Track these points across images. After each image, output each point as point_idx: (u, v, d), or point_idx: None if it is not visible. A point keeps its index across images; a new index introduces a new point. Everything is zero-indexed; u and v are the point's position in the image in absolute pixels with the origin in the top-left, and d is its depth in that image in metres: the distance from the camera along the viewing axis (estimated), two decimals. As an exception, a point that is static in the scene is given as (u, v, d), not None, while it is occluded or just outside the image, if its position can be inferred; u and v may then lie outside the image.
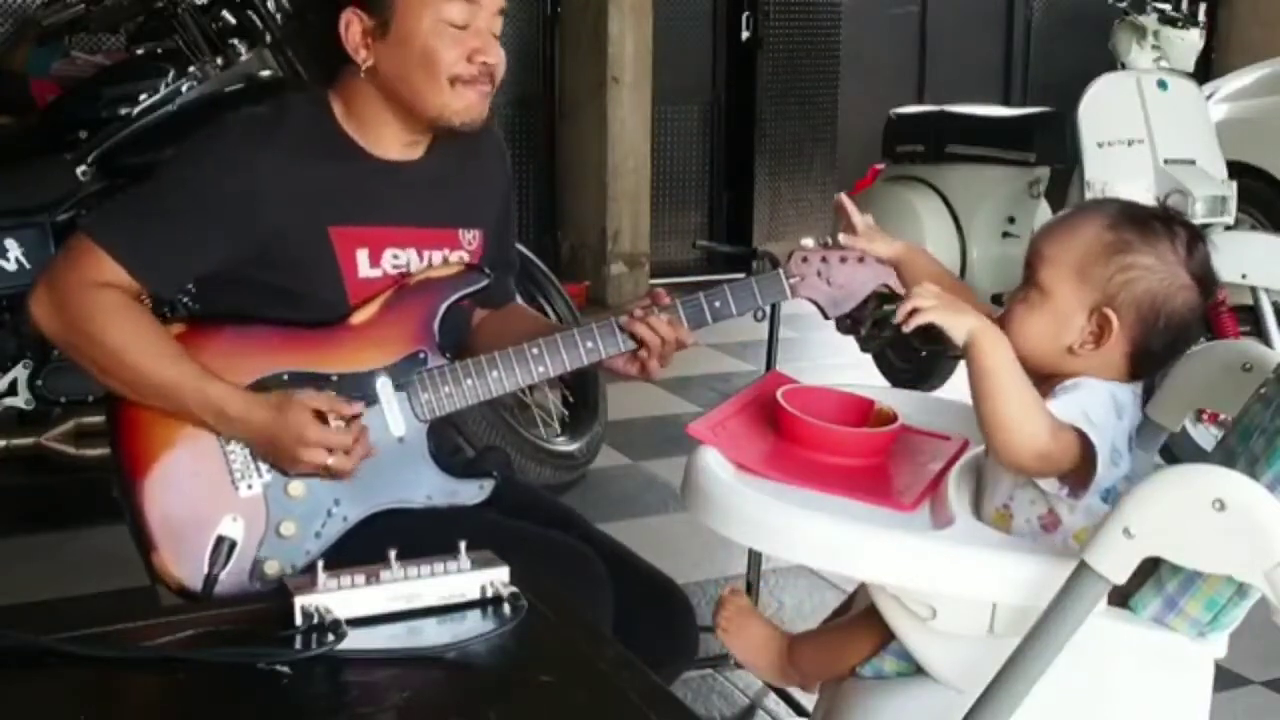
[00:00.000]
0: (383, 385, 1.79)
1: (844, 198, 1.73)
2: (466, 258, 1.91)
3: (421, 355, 1.80)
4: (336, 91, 1.85)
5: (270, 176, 1.76)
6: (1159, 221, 1.48)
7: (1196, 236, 1.49)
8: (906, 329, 1.46)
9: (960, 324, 1.43)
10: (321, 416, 1.72)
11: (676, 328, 1.80)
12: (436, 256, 1.88)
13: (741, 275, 1.87)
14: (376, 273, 1.83)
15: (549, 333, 1.86)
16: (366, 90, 1.81)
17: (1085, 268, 1.47)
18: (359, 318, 1.81)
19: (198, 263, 1.80)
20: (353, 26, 1.77)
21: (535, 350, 1.80)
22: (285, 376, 1.76)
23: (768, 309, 1.92)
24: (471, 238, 1.92)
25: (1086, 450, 1.41)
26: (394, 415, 1.79)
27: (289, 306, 1.79)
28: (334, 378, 1.78)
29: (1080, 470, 1.43)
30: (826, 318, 1.86)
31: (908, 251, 1.75)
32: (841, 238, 1.78)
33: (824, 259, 1.82)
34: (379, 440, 1.77)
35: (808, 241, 1.84)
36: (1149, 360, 1.50)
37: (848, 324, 4.33)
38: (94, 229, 1.79)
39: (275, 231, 1.77)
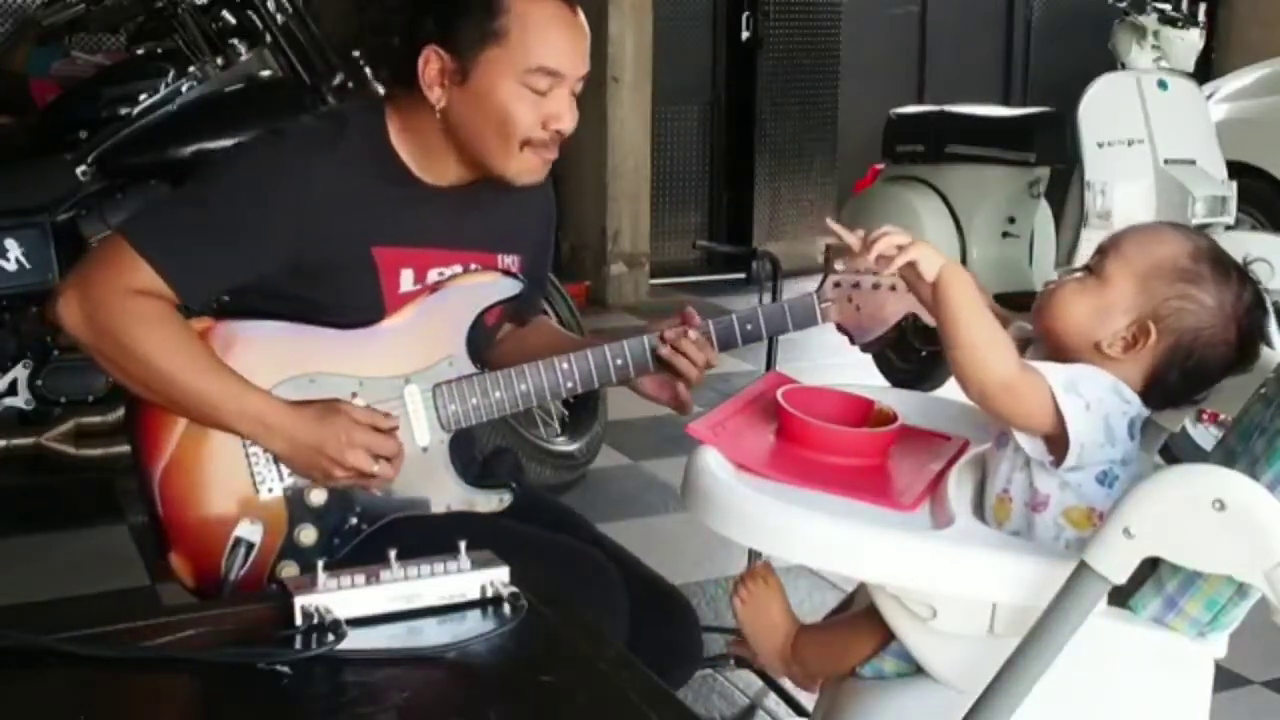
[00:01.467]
0: (410, 393, 1.77)
1: (831, 221, 1.71)
2: None
3: (451, 362, 1.78)
4: (396, 108, 1.80)
5: (322, 192, 1.72)
6: (1237, 272, 1.50)
7: (1262, 306, 1.50)
8: (887, 271, 1.47)
9: (933, 259, 1.45)
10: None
11: (705, 349, 1.78)
12: None
13: (742, 275, 1.87)
14: (418, 287, 1.80)
15: (573, 346, 1.85)
16: (431, 123, 1.76)
17: (1151, 279, 1.47)
18: (391, 320, 1.78)
19: (237, 275, 1.74)
20: (431, 64, 1.72)
21: (565, 365, 1.78)
22: (311, 378, 1.74)
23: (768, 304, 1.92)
24: (510, 262, 1.89)
25: (1062, 419, 1.41)
26: (419, 425, 1.77)
27: (323, 315, 1.76)
28: (361, 380, 1.75)
29: (1059, 439, 1.43)
30: (853, 343, 1.86)
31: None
32: (848, 265, 1.76)
33: (856, 285, 1.81)
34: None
35: (840, 265, 1.82)
36: (1160, 389, 1.50)
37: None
38: (133, 233, 1.72)
39: (319, 247, 1.73)
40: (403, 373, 1.77)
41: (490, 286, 1.83)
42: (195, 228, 1.73)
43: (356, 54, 3.46)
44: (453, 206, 1.82)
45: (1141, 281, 1.48)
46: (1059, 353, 1.51)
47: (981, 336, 1.43)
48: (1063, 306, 1.52)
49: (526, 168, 1.76)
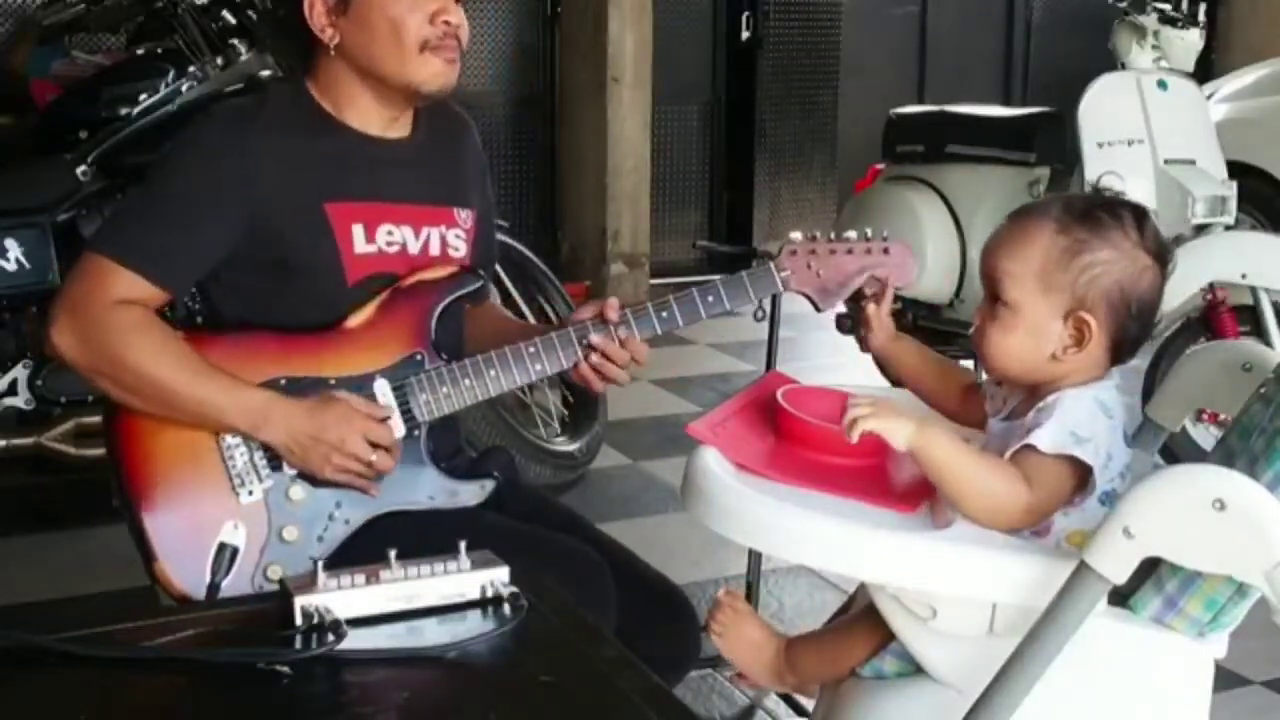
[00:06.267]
0: (380, 388, 1.78)
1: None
2: (464, 237, 1.91)
3: (418, 357, 1.80)
4: (311, 77, 1.87)
5: (260, 155, 1.78)
6: (1102, 211, 1.49)
7: (1142, 214, 1.51)
8: (852, 438, 1.44)
9: (898, 432, 1.42)
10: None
11: (633, 346, 1.80)
12: (434, 234, 1.88)
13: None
14: (372, 249, 1.82)
15: (530, 332, 1.87)
16: (338, 68, 1.83)
17: (1048, 276, 1.47)
18: (355, 321, 1.80)
19: (209, 253, 1.79)
20: (315, 7, 1.80)
21: (532, 349, 1.80)
22: (283, 381, 1.76)
23: (767, 308, 1.93)
24: (466, 216, 1.93)
25: (1080, 468, 1.42)
26: (393, 417, 1.78)
27: (289, 290, 1.79)
28: (332, 381, 1.77)
29: (1079, 484, 1.43)
30: (818, 310, 1.87)
31: (894, 343, 1.76)
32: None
33: (813, 251, 1.84)
34: None
35: (796, 235, 1.87)
36: (1128, 345, 1.51)
37: (848, 324, 4.33)
38: (102, 244, 1.78)
39: (273, 208, 1.77)
40: (371, 369, 1.79)
41: (449, 282, 1.85)
42: (156, 220, 1.79)
43: None
44: (400, 159, 1.87)
45: (1043, 285, 1.47)
46: (1021, 385, 1.53)
47: (984, 494, 1.41)
48: (1000, 353, 1.52)
49: (433, 71, 1.81)
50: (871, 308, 1.77)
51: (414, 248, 1.86)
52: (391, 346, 1.80)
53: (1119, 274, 1.47)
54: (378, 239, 1.83)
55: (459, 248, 1.91)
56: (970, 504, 1.42)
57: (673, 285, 1.86)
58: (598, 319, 1.82)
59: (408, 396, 1.79)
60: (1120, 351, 1.51)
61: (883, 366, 1.96)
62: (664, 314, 1.82)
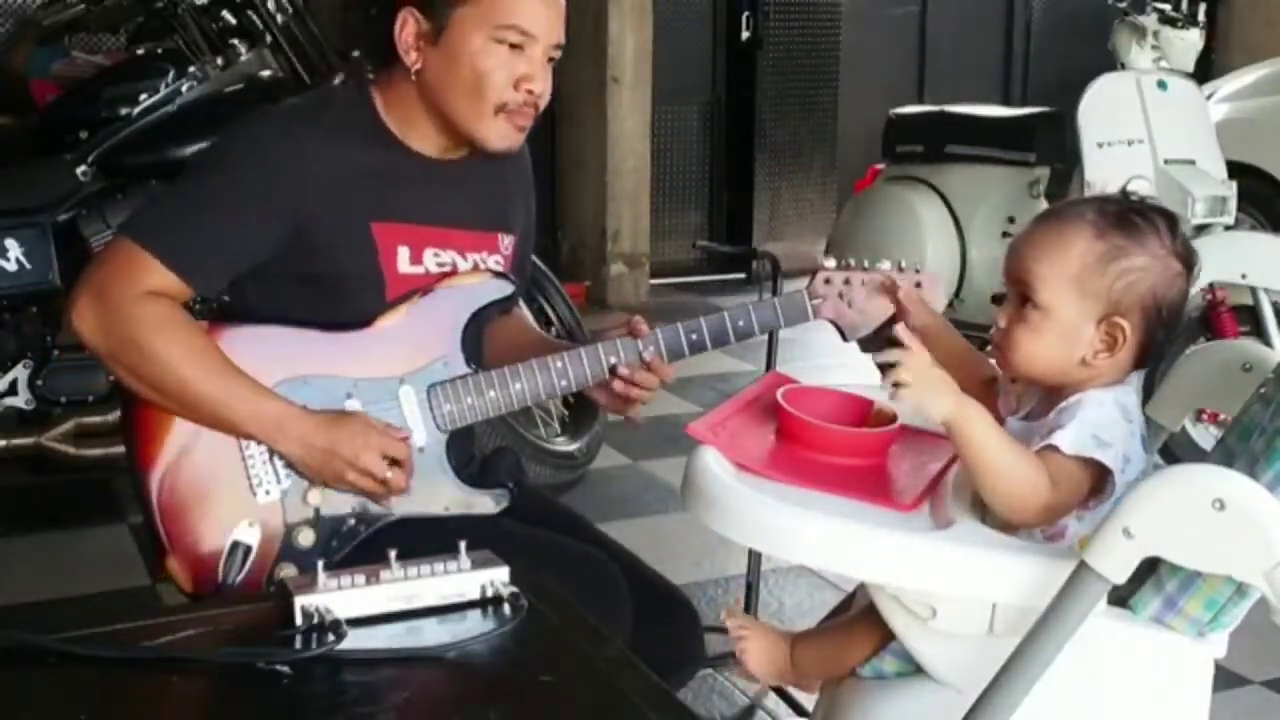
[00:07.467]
0: (405, 393, 1.76)
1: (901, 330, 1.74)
2: (502, 263, 1.88)
3: (445, 363, 1.78)
4: (379, 85, 1.82)
5: (313, 164, 1.73)
6: (1138, 216, 1.49)
7: (1173, 219, 1.50)
8: (892, 399, 1.45)
9: (937, 406, 1.42)
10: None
11: (659, 367, 1.79)
12: (478, 261, 1.85)
13: (742, 276, 1.88)
14: (418, 270, 1.79)
15: (552, 346, 1.86)
16: (410, 92, 1.78)
17: (1084, 281, 1.47)
18: (383, 322, 1.77)
19: (245, 257, 1.74)
20: (407, 26, 1.75)
21: (559, 364, 1.78)
22: (304, 380, 1.74)
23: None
24: (508, 243, 1.90)
25: (1096, 471, 1.42)
26: (415, 425, 1.76)
27: (325, 299, 1.76)
28: (355, 382, 1.75)
29: (1097, 487, 1.43)
30: (845, 340, 1.86)
31: (932, 318, 1.75)
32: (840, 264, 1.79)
33: (846, 281, 1.81)
34: None
35: (830, 263, 1.83)
36: (1154, 350, 1.51)
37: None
38: (136, 232, 1.73)
39: (318, 221, 1.73)
40: (396, 374, 1.76)
41: (482, 288, 1.83)
42: (196, 217, 1.74)
43: (356, 54, 3.47)
44: (450, 182, 1.83)
45: (1079, 289, 1.47)
46: (1045, 386, 1.53)
47: (1011, 482, 1.41)
48: (1028, 355, 1.51)
49: (501, 134, 1.77)
50: (902, 291, 1.76)
51: (464, 270, 1.83)
52: (419, 350, 1.77)
53: (1153, 280, 1.47)
54: (425, 261, 1.80)
55: None
56: (998, 488, 1.41)
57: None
58: (625, 335, 1.80)
59: (432, 404, 1.77)
60: (1147, 355, 1.51)
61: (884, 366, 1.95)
62: (694, 336, 1.80)
